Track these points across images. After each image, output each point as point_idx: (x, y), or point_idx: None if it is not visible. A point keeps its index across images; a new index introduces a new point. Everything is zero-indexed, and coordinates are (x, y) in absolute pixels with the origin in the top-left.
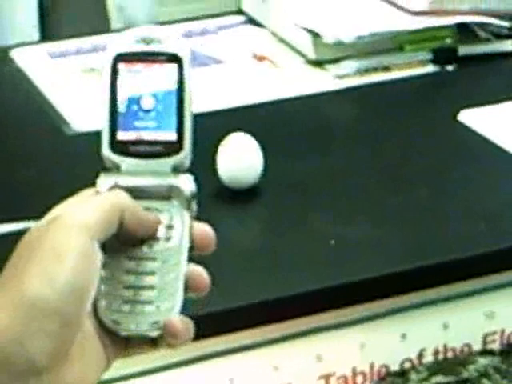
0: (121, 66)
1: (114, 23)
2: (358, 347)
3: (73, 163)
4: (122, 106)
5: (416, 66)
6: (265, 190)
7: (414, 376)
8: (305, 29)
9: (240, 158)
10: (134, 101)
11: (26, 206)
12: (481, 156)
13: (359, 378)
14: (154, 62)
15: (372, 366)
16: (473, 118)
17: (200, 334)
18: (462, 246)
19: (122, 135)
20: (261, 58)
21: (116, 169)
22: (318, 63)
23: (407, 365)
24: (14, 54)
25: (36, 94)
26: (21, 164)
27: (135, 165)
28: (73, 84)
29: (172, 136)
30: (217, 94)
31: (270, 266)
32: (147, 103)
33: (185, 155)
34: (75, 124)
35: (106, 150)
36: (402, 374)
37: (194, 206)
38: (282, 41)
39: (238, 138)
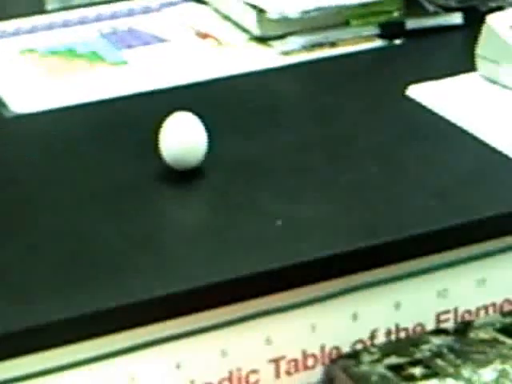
0: None
1: (50, 3)
2: (308, 329)
3: (11, 145)
4: None
5: (363, 41)
6: (210, 170)
7: (366, 357)
8: (249, 4)
9: (183, 138)
10: None
11: None
12: (431, 131)
13: (310, 361)
14: None
15: (323, 348)
16: (421, 92)
17: (145, 320)
18: (414, 223)
19: None
20: (204, 36)
21: None
22: (263, 40)
23: (359, 346)
24: None
25: None
26: None
27: None
28: (11, 65)
29: None
30: (160, 72)
31: (217, 247)
32: None
33: None
34: (13, 106)
35: None
36: (354, 355)
37: None
38: (226, 18)
39: (180, 117)
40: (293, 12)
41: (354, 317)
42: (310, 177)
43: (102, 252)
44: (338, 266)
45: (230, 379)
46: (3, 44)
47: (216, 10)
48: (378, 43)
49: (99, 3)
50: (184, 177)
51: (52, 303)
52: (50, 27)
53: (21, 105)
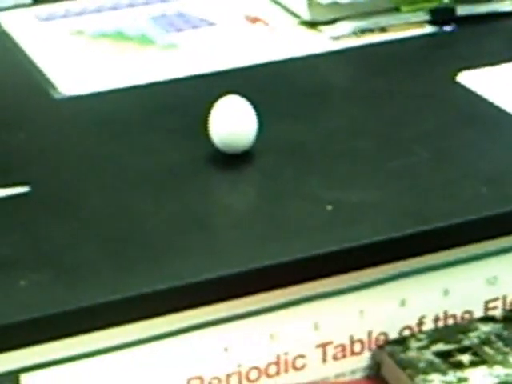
0: None
1: None
2: (356, 315)
3: (62, 127)
4: None
5: (413, 27)
6: (260, 154)
7: (414, 344)
8: None
9: (233, 121)
10: None
11: (15, 171)
12: (481, 118)
13: (357, 346)
14: None
15: (370, 334)
16: (472, 79)
17: (195, 302)
18: (463, 209)
19: None
20: (254, 20)
21: None
22: (313, 24)
23: (406, 332)
24: (1, 18)
25: (22, 58)
26: (8, 129)
27: None
28: (61, 47)
29: None
30: (209, 56)
31: (266, 232)
32: None
33: None
34: (63, 88)
35: None
36: (402, 341)
37: None
38: (276, 2)
39: (230, 101)
40: None
41: (402, 303)
42: (360, 162)
43: (153, 234)
44: (388, 251)
45: (277, 363)
46: (52, 26)
47: None
48: (428, 29)
49: None
50: (234, 160)
51: (102, 284)
52: (98, 10)
53: (70, 87)
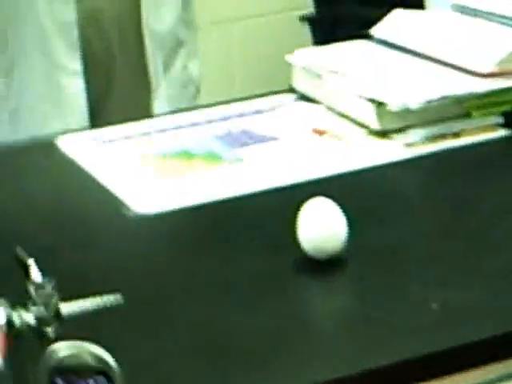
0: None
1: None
2: None
3: (142, 243)
4: None
5: (486, 131)
6: (351, 259)
7: None
8: (367, 98)
9: (323, 224)
10: None
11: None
12: None
13: None
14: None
15: None
16: None
17: None
18: None
19: None
20: (321, 132)
21: None
22: (383, 134)
23: None
24: (60, 142)
25: (90, 181)
26: (88, 249)
27: None
28: (127, 168)
29: None
30: (279, 169)
31: (371, 333)
32: None
33: None
34: (135, 206)
35: None
36: None
37: None
38: (341, 115)
39: (319, 203)
40: (415, 103)
41: None
42: (453, 262)
43: (251, 342)
44: (500, 348)
45: None
46: (115, 148)
47: (330, 108)
48: (502, 133)
49: (207, 106)
50: (324, 266)
51: None
52: (162, 131)
53: (143, 205)
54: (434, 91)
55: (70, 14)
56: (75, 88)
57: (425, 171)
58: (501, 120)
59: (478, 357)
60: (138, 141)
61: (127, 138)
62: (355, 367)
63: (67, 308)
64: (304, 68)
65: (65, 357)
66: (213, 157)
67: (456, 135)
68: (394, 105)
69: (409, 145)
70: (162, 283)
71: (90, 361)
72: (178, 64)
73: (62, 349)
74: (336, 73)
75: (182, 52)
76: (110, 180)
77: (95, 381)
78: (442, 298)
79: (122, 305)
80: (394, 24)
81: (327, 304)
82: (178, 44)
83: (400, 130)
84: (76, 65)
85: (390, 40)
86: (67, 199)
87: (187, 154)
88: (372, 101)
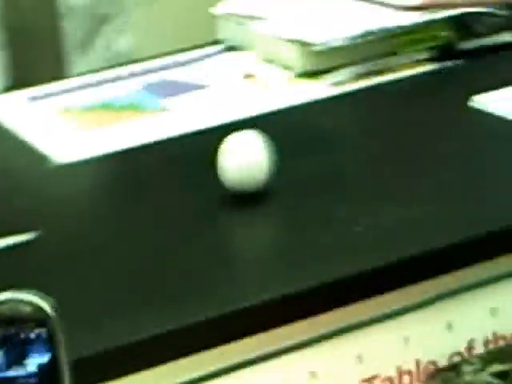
0: None
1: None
2: (401, 343)
3: (60, 191)
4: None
5: (414, 66)
6: (275, 190)
7: (467, 368)
8: (291, 40)
9: (245, 156)
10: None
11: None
12: (501, 135)
13: (406, 379)
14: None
15: (418, 364)
16: (485, 101)
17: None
18: (503, 220)
19: None
20: (249, 77)
21: None
22: (310, 75)
23: (456, 359)
24: None
25: (12, 138)
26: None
27: None
28: (50, 124)
29: None
30: (204, 115)
31: (295, 258)
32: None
33: None
34: (56, 157)
35: None
36: (454, 368)
37: None
38: (269, 60)
39: (241, 136)
40: (338, 40)
41: (449, 327)
42: (386, 185)
43: (183, 271)
44: (431, 266)
45: None
46: (40, 105)
47: (257, 55)
48: (430, 67)
49: (131, 62)
50: (247, 200)
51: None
52: (85, 86)
53: (64, 155)
54: (358, 27)
55: None
56: None
57: (353, 106)
58: (429, 55)
59: (401, 277)
60: (61, 97)
61: (49, 95)
62: (279, 291)
63: None
64: (228, 17)
65: (1, 309)
66: (136, 107)
67: (383, 72)
68: (317, 44)
69: (336, 84)
70: (86, 224)
71: (29, 311)
72: (100, 42)
73: (2, 299)
74: (259, 18)
75: (107, 29)
76: (32, 135)
77: (36, 334)
78: (367, 222)
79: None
80: None
81: (252, 234)
82: (100, 21)
83: (327, 71)
84: None
85: None
86: None
87: (110, 106)
88: (296, 42)
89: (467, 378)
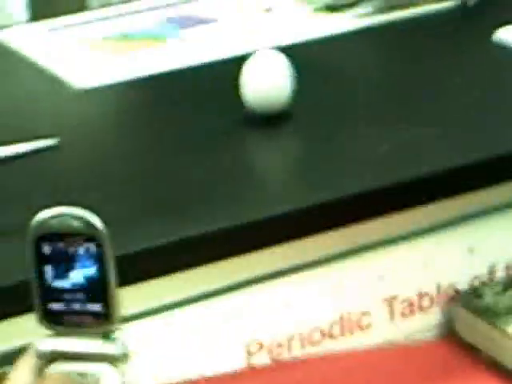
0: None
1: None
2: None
3: (80, 114)
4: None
5: (438, 1)
6: (300, 112)
7: (487, 291)
8: None
9: (267, 76)
10: (62, 276)
11: None
12: None
13: (425, 301)
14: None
15: (438, 287)
16: (508, 36)
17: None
18: None
19: (53, 306)
20: (267, 10)
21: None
22: (329, 9)
23: (477, 283)
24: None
25: (32, 66)
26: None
27: (67, 332)
28: (70, 52)
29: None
30: (224, 45)
31: (319, 171)
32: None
33: (112, 325)
34: (76, 82)
35: (39, 321)
36: (474, 291)
37: (124, 368)
38: None
39: (264, 54)
40: None
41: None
42: (404, 108)
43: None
44: (451, 184)
45: (340, 323)
46: (61, 36)
47: None
48: (449, 3)
49: None
50: (270, 121)
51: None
52: (104, 19)
53: (84, 80)
54: None
55: None
56: None
57: (374, 40)
58: None
59: (425, 194)
60: (81, 28)
61: (70, 26)
62: (304, 202)
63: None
64: None
65: (51, 224)
66: (157, 37)
67: (407, 6)
68: None
69: (359, 16)
70: (110, 143)
71: (78, 226)
72: None
73: (48, 216)
74: None
75: None
76: (53, 63)
77: (85, 248)
78: (389, 140)
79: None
80: None
81: (276, 151)
82: None
83: (347, 6)
84: None
85: None
86: (10, 84)
87: (131, 36)
88: None
89: (488, 300)
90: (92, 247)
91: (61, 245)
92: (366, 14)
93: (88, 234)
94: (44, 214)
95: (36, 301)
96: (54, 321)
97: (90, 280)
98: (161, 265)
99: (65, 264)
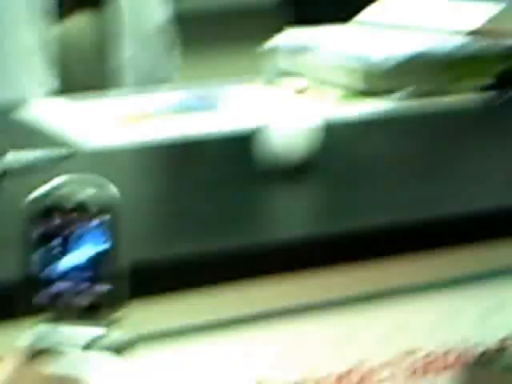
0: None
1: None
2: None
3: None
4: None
5: (475, 92)
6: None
7: None
8: (352, 58)
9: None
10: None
11: None
12: None
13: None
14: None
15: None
16: None
17: None
18: None
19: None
20: (302, 91)
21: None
22: (366, 94)
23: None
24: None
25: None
26: None
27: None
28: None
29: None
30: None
31: None
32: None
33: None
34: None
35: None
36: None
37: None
38: (325, 82)
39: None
40: (397, 58)
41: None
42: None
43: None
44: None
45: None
46: (85, 109)
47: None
48: (491, 94)
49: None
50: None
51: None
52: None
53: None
54: (416, 47)
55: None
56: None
57: (404, 128)
58: (489, 81)
59: None
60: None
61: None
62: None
63: None
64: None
65: (63, 192)
66: (183, 110)
67: (440, 95)
68: (377, 60)
69: (396, 100)
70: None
71: (95, 195)
72: None
73: (62, 183)
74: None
75: None
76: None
77: (100, 221)
78: None
79: None
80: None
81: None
82: None
83: (384, 92)
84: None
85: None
86: None
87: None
88: (357, 59)
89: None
90: (105, 220)
91: (74, 217)
92: (399, 99)
93: (105, 207)
94: (60, 183)
95: (41, 280)
96: (58, 303)
97: (99, 257)
98: None
99: (76, 238)
